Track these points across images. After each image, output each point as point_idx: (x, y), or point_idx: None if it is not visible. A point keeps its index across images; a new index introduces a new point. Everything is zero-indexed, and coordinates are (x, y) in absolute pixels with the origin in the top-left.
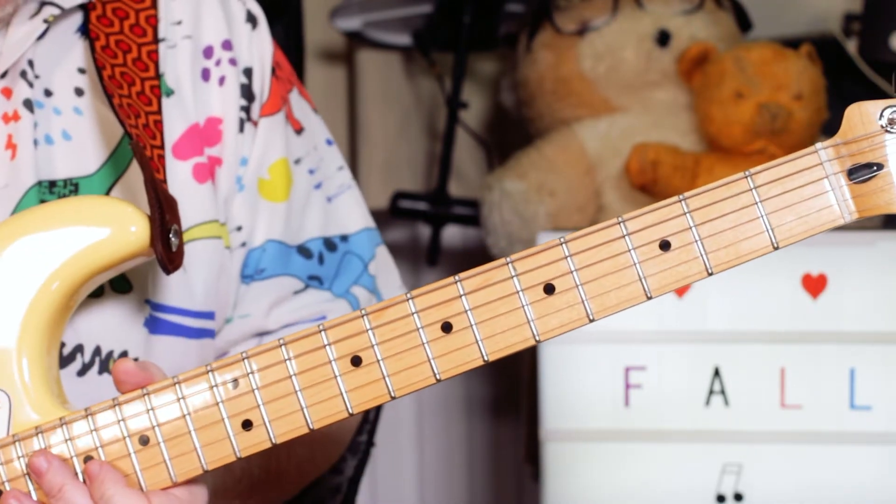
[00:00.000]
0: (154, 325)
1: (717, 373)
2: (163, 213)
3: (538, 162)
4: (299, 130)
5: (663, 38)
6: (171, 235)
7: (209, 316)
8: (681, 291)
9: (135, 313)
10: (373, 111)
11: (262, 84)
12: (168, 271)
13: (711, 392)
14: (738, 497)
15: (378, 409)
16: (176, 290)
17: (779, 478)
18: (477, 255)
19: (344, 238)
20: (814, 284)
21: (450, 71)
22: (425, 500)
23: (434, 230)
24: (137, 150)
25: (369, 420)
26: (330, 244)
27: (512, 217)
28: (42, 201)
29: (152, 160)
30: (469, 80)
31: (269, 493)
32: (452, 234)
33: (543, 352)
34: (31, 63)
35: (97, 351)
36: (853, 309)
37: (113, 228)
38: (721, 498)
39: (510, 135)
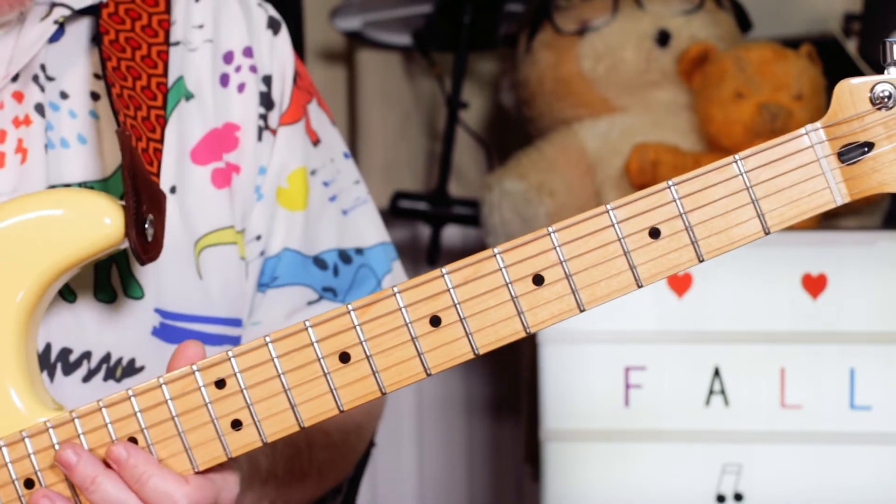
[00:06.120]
0: (167, 334)
1: (717, 373)
2: (139, 202)
3: (538, 162)
4: (316, 142)
5: (663, 38)
6: (146, 225)
7: (233, 323)
8: (681, 291)
9: (143, 321)
10: (373, 111)
11: (282, 92)
12: (142, 262)
13: (711, 392)
14: (738, 497)
15: None
16: (192, 297)
17: (779, 478)
18: None
19: (359, 251)
20: (814, 284)
21: (450, 71)
22: (425, 500)
23: (434, 230)
24: (123, 138)
25: None
26: (345, 256)
27: (512, 217)
28: None
29: (146, 152)
30: (469, 80)
31: (293, 496)
32: (452, 234)
33: (543, 352)
34: (43, 67)
35: (106, 358)
36: (853, 309)
37: (86, 220)
38: (721, 498)
39: (510, 135)
